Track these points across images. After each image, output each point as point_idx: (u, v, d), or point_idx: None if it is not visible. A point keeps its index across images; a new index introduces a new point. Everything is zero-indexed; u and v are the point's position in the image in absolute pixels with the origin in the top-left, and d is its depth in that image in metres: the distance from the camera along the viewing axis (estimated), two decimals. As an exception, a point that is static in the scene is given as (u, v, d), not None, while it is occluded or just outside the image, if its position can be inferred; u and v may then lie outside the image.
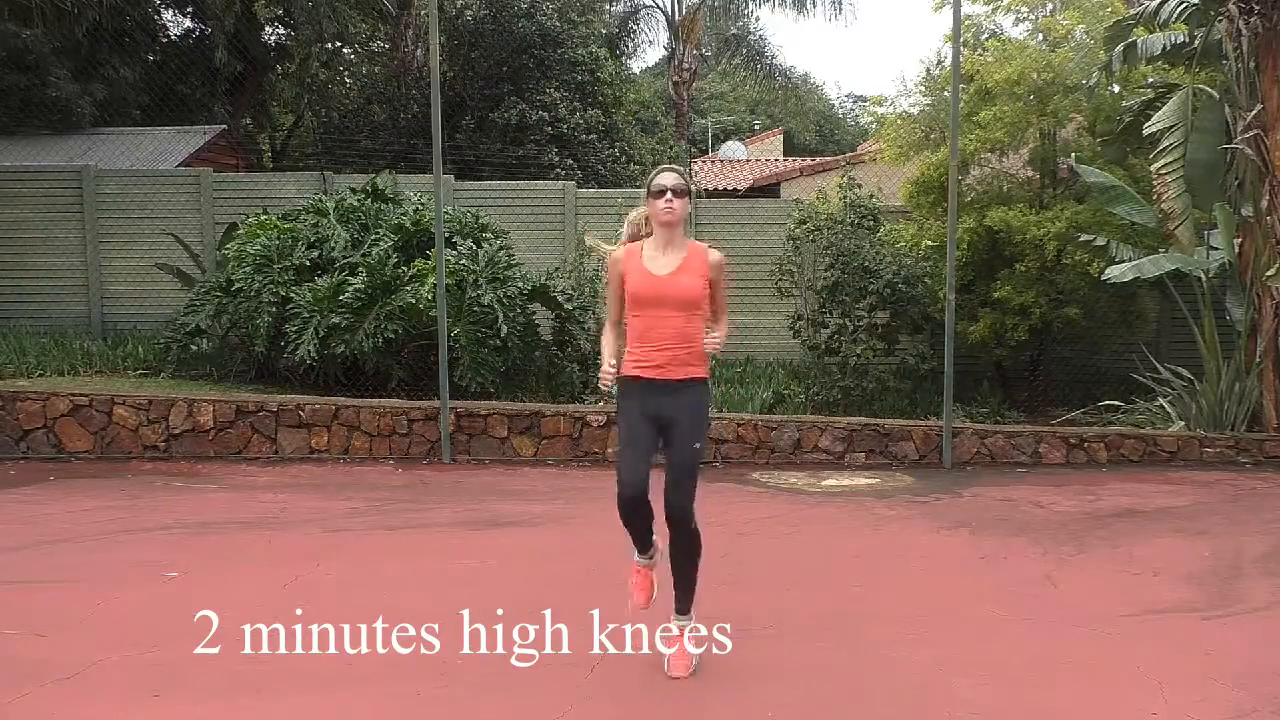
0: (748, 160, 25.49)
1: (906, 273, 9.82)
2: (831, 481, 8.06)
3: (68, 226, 12.46)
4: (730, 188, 21.19)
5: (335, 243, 9.56)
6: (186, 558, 5.74)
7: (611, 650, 4.39)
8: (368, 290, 9.00)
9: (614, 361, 4.13)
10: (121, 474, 7.97)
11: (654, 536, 4.23)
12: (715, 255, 4.14)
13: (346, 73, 22.78)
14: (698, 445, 4.15)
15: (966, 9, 10.70)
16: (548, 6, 18.04)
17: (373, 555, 5.93)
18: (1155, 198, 9.13)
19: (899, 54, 65.67)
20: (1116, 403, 9.49)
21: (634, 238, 4.24)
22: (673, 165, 4.34)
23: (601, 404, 9.14)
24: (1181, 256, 9.05)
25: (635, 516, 4.11)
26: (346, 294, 8.97)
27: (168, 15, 20.74)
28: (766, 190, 19.08)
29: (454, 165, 15.23)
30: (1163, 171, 8.98)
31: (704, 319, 4.10)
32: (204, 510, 6.85)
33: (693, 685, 4.09)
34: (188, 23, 21.02)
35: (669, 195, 4.05)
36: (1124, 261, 9.06)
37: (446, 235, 9.13)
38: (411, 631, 4.61)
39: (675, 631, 4.25)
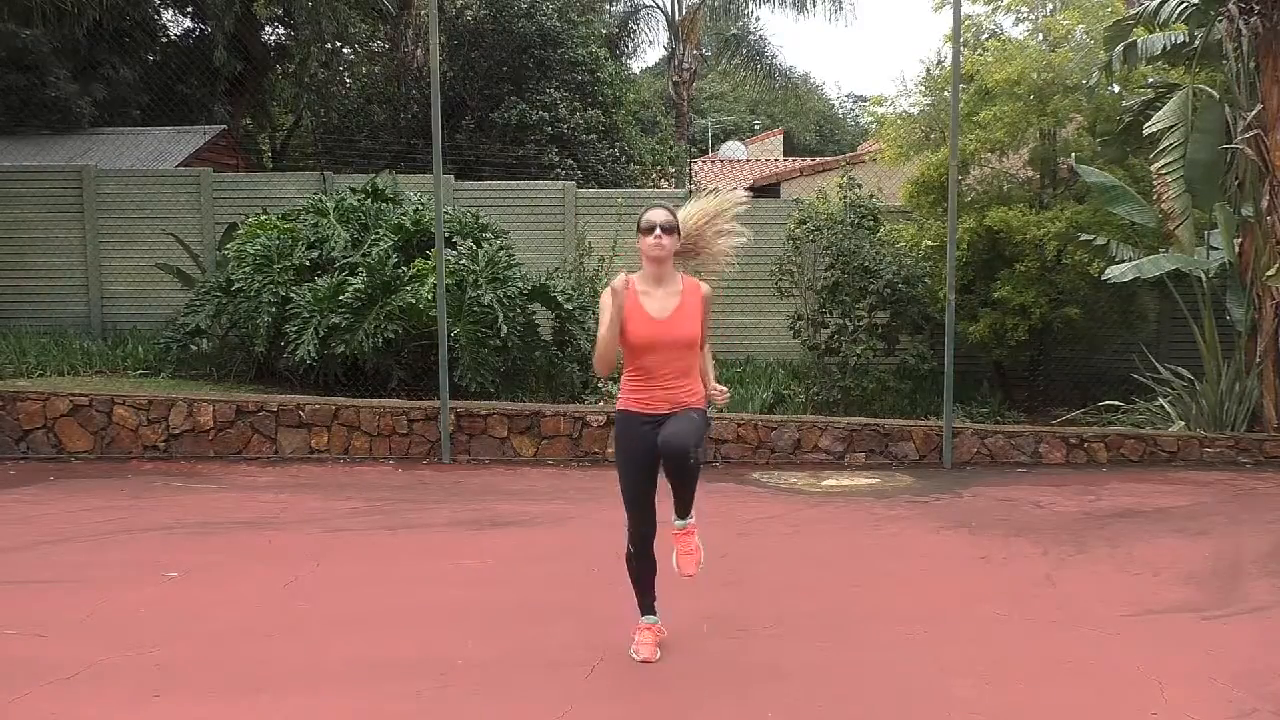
0: (748, 160, 25.50)
1: (906, 273, 9.82)
2: (831, 481, 8.06)
3: (68, 226, 12.46)
4: (730, 188, 21.15)
5: (335, 243, 9.56)
6: (186, 558, 5.75)
7: (611, 650, 4.39)
8: (368, 290, 9.00)
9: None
10: (121, 474, 7.98)
11: (654, 600, 4.38)
12: (706, 289, 4.25)
13: (346, 73, 22.76)
14: (695, 415, 4.13)
15: (966, 9, 10.71)
16: (548, 6, 18.03)
17: (373, 555, 5.93)
18: (1155, 198, 9.13)
19: (899, 54, 65.69)
20: (1116, 403, 9.49)
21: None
22: (663, 202, 4.33)
23: (601, 404, 9.15)
24: (1181, 256, 9.05)
25: (644, 567, 4.30)
26: (346, 294, 8.97)
27: (168, 15, 20.73)
28: (766, 190, 19.05)
29: (454, 165, 15.22)
30: (1163, 171, 8.98)
31: (699, 350, 4.22)
32: (204, 510, 6.85)
33: (692, 685, 4.09)
34: (187, 23, 21.03)
35: (658, 232, 4.10)
36: (1124, 261, 9.05)
37: (446, 235, 9.13)
38: (411, 631, 4.62)
39: (679, 529, 4.27)
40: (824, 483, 8.01)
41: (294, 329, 9.02)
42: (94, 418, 8.46)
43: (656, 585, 4.39)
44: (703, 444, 4.25)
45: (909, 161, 10.77)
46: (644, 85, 27.72)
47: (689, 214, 4.35)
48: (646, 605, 4.39)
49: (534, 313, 9.58)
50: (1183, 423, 9.00)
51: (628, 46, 24.91)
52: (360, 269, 9.18)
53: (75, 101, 16.37)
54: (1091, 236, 9.45)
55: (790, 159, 26.06)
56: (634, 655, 4.30)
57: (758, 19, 31.36)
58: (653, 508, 4.23)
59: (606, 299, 4.07)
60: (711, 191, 4.46)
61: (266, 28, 20.86)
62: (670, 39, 24.20)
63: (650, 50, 50.89)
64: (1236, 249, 9.36)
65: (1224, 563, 5.89)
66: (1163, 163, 8.98)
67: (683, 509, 4.26)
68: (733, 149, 27.49)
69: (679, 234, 4.20)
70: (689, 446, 4.03)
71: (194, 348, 9.93)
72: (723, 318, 11.15)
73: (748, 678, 4.16)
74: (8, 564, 5.64)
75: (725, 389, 4.35)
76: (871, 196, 10.24)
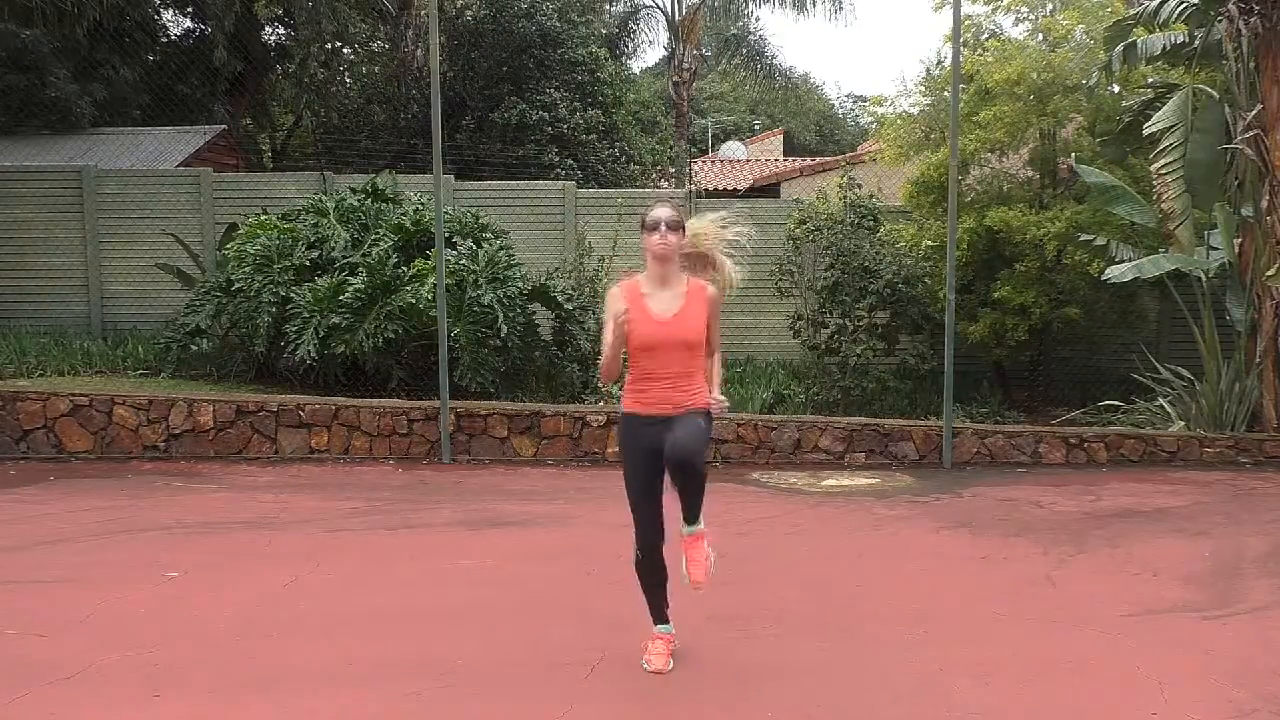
0: (748, 160, 25.48)
1: (906, 273, 9.83)
2: (831, 481, 8.06)
3: (68, 226, 12.46)
4: (730, 188, 21.18)
5: (335, 243, 9.56)
6: (186, 558, 5.75)
7: (611, 650, 4.39)
8: (368, 290, 9.01)
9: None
10: (121, 474, 7.98)
11: (667, 608, 4.27)
12: (712, 290, 4.19)
13: (346, 73, 22.77)
14: (700, 420, 4.05)
15: (966, 9, 10.71)
16: (548, 6, 18.04)
17: (373, 555, 5.93)
18: (1155, 198, 9.13)
19: (899, 54, 65.72)
20: (1116, 403, 9.49)
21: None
22: (668, 200, 4.34)
23: (601, 404, 9.14)
24: (1181, 256, 9.05)
25: (653, 572, 4.17)
26: (346, 294, 8.97)
27: (168, 15, 20.72)
28: (766, 190, 19.06)
29: (454, 165, 15.23)
30: (1163, 171, 8.98)
31: (703, 352, 4.17)
32: (204, 510, 6.85)
33: (693, 685, 4.09)
34: (188, 23, 21.01)
35: (663, 229, 4.05)
36: (1124, 261, 9.06)
37: (446, 235, 9.13)
38: (411, 631, 4.62)
39: (687, 534, 4.15)
40: (824, 483, 8.01)
41: (294, 329, 9.03)
42: (94, 418, 8.46)
43: (670, 594, 4.27)
44: (706, 434, 4.18)
45: (909, 161, 10.77)
46: (644, 85, 27.72)
47: (699, 227, 4.29)
48: (659, 614, 4.27)
49: (534, 313, 9.58)
50: (1183, 423, 9.00)
51: (628, 46, 24.92)
52: (360, 269, 9.18)
53: (75, 101, 16.36)
54: (1091, 236, 9.46)
55: (790, 159, 26.05)
56: (645, 665, 4.20)
57: (758, 19, 31.44)
58: (659, 512, 4.11)
59: (611, 303, 4.10)
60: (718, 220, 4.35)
61: (266, 28, 20.86)
62: (670, 39, 24.19)
63: (650, 50, 50.95)
64: (1236, 249, 9.36)
65: (1224, 563, 5.89)
66: (1163, 163, 8.98)
67: (691, 515, 4.17)
68: (733, 149, 27.47)
69: (684, 232, 4.16)
70: (694, 456, 3.97)
71: (194, 348, 9.92)
72: (723, 317, 11.10)
73: (748, 678, 4.16)
74: (8, 564, 5.64)
75: (725, 401, 4.26)
76: (871, 196, 10.24)
